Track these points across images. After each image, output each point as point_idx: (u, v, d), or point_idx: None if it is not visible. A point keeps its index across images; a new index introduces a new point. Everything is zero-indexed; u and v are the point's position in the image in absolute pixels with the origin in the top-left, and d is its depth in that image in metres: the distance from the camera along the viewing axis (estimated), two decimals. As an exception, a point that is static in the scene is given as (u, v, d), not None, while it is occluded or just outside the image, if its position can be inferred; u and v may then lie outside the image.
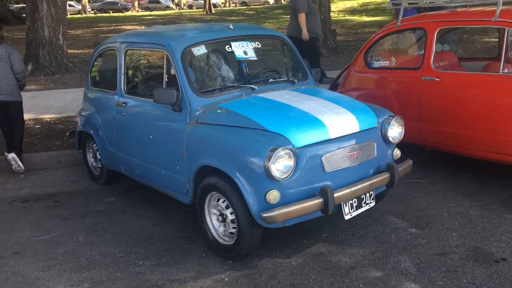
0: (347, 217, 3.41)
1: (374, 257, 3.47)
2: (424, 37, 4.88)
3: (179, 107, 3.76)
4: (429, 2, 5.16)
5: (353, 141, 3.46)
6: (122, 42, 4.49)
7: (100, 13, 51.05)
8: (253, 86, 3.94)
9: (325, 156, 3.32)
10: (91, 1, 55.74)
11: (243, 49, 4.12)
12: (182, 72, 3.78)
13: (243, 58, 4.14)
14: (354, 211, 3.44)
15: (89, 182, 5.37)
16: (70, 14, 51.29)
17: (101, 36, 23.29)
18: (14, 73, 5.61)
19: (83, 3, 53.78)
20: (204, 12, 38.55)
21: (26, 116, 7.82)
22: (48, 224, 4.35)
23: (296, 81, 4.24)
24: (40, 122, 7.64)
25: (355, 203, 3.44)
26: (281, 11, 34.59)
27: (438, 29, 4.75)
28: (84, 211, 4.59)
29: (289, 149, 3.17)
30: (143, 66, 4.76)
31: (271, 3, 50.21)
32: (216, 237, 3.62)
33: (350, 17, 27.54)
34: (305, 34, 8.07)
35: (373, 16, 27.47)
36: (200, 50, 3.97)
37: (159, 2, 56.74)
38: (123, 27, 28.27)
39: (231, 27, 4.22)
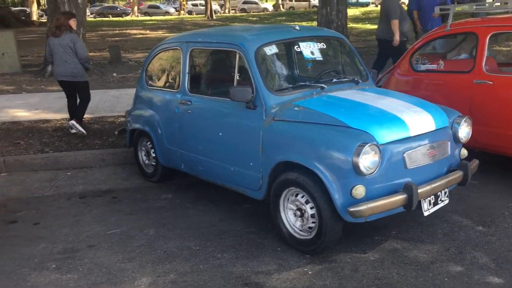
0: (426, 213, 3.51)
1: (450, 253, 3.56)
2: (475, 42, 5.00)
3: (253, 104, 3.85)
4: (477, 8, 5.30)
5: (431, 139, 3.57)
6: (187, 42, 4.58)
7: (100, 17, 51.06)
8: (323, 85, 4.04)
9: (407, 153, 3.42)
10: (90, 6, 55.69)
11: (310, 49, 4.23)
12: (256, 71, 3.87)
13: (311, 58, 4.25)
14: (431, 207, 3.54)
15: (141, 179, 5.43)
16: (69, 18, 51.53)
17: (107, 39, 23.38)
18: (78, 58, 6.55)
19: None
20: (206, 18, 38.75)
21: (59, 116, 7.97)
22: (114, 219, 4.40)
23: (360, 81, 4.35)
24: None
25: (432, 199, 3.54)
26: (284, 18, 34.88)
27: (490, 34, 4.88)
28: (145, 207, 4.65)
29: (375, 145, 3.26)
30: (210, 65, 4.83)
31: (270, 10, 50.52)
32: (292, 231, 3.70)
33: (354, 25, 27.76)
34: (396, 40, 8.07)
35: (376, 24, 27.74)
36: (272, 50, 4.06)
37: (158, 8, 56.97)
38: (128, 31, 28.37)
39: (297, 28, 4.33)
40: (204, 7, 54.81)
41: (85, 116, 7.87)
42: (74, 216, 4.49)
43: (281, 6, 50.30)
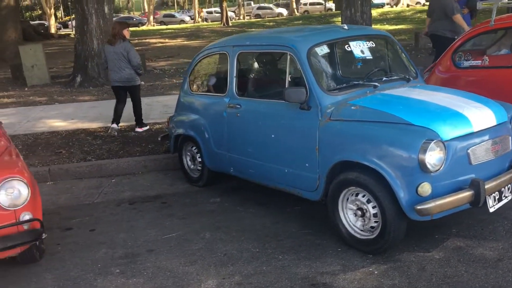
0: (491, 210, 3.46)
1: (516, 249, 3.51)
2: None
3: (308, 105, 3.84)
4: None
5: (493, 134, 3.53)
6: (234, 46, 4.59)
7: (116, 27, 51.44)
8: (375, 83, 4.02)
9: (471, 149, 3.38)
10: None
11: (360, 48, 4.21)
12: (309, 72, 3.87)
13: (361, 57, 4.23)
14: (496, 203, 3.49)
15: (186, 184, 5.45)
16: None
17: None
18: (131, 65, 7.09)
19: (99, 18, 54.58)
20: (222, 25, 38.92)
21: (96, 125, 8.06)
22: (167, 223, 4.43)
23: (410, 78, 4.32)
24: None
25: (497, 195, 3.49)
26: (300, 22, 34.83)
27: (538, 28, 4.82)
28: (196, 211, 4.67)
29: (440, 141, 3.23)
30: (259, 68, 4.84)
31: (285, 15, 50.58)
32: (352, 231, 3.67)
33: (374, 26, 27.64)
34: (466, 29, 7.81)
35: (395, 25, 27.58)
36: (323, 50, 4.07)
37: (174, 16, 57.47)
38: (147, 40, 28.59)
39: (346, 27, 4.33)
40: (218, 14, 55.47)
41: (122, 124, 7.98)
42: (128, 222, 4.52)
43: (295, 10, 50.30)
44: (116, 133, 7.30)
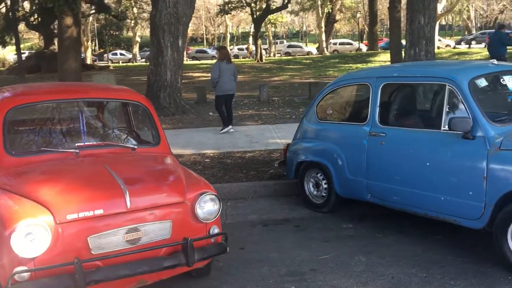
0: None
1: None
2: None
3: (472, 135, 3.99)
4: None
5: None
6: (378, 77, 4.79)
7: (148, 61, 52.64)
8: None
9: None
10: (140, 51, 57.88)
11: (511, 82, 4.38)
12: (473, 102, 4.03)
13: (513, 91, 4.40)
14: None
15: (306, 210, 5.56)
16: (122, 62, 53.75)
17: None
18: (235, 79, 9.92)
19: (134, 52, 56.18)
20: (256, 61, 39.70)
21: (189, 151, 8.28)
22: (313, 245, 4.53)
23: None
24: (205, 156, 7.95)
25: None
26: (337, 60, 35.42)
27: None
28: (335, 235, 4.76)
29: None
30: (407, 99, 4.99)
31: (314, 53, 51.42)
32: (522, 260, 3.74)
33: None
34: None
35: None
36: (482, 83, 4.25)
37: (205, 52, 58.85)
38: (190, 74, 29.27)
39: (495, 62, 4.51)
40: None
41: (213, 151, 8.20)
42: (274, 242, 4.64)
43: (325, 49, 51.13)
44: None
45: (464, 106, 4.07)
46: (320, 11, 47.78)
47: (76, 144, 3.95)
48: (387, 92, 4.86)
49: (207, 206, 3.54)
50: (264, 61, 39.76)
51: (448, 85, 4.19)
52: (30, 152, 3.84)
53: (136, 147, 4.10)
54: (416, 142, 4.41)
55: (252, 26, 45.95)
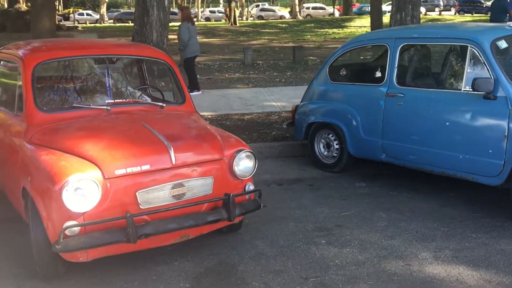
0: None
1: None
2: None
3: (494, 95, 4.12)
4: None
5: None
6: (397, 38, 4.83)
7: (118, 23, 51.20)
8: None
9: None
10: (107, 12, 56.06)
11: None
12: (495, 63, 4.14)
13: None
14: None
15: (316, 170, 5.66)
16: (89, 23, 51.93)
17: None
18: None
19: (101, 12, 54.33)
20: (229, 24, 39.09)
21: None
22: (333, 203, 4.64)
23: None
24: (203, 118, 7.91)
25: None
26: (312, 24, 35.25)
27: None
28: (351, 193, 4.89)
29: None
30: (427, 60, 5.06)
31: (287, 17, 51.01)
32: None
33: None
34: None
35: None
36: (502, 44, 4.35)
37: (175, 14, 57.22)
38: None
39: (511, 25, 4.62)
40: (221, 14, 55.62)
41: (211, 113, 8.19)
42: (293, 200, 4.73)
43: (298, 14, 50.70)
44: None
45: (486, 67, 4.18)
46: (293, -26, 47.15)
47: (106, 101, 3.88)
48: (406, 53, 4.93)
49: (244, 163, 3.58)
50: (238, 24, 39.21)
51: (470, 46, 4.28)
52: (62, 108, 3.76)
53: (164, 105, 4.07)
54: (436, 102, 4.52)
55: (225, -13, 45.02)
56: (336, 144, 5.48)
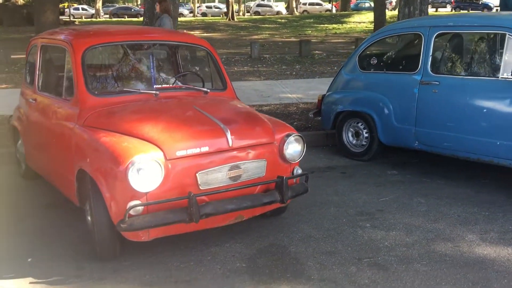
0: None
1: None
2: None
3: (534, 83, 4.18)
4: None
5: None
6: (431, 27, 4.89)
7: (114, 17, 50.90)
8: None
9: None
10: (102, 6, 55.76)
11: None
12: (536, 51, 4.22)
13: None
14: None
15: (345, 158, 5.70)
16: (85, 18, 51.62)
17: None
18: None
19: (97, 7, 54.01)
20: (227, 20, 39.05)
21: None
22: (369, 189, 4.69)
23: None
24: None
25: None
26: (311, 20, 35.31)
27: None
28: (385, 181, 4.94)
29: None
30: (462, 48, 5.11)
31: (284, 13, 51.00)
32: None
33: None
34: None
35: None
36: (539, 33, 4.40)
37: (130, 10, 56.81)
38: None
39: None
40: (218, 10, 55.52)
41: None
42: (329, 187, 4.77)
43: (295, 9, 50.72)
44: None
45: (526, 54, 4.25)
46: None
47: (154, 86, 3.90)
48: (440, 41, 4.97)
49: (293, 147, 3.62)
50: (236, 20, 39.17)
51: (508, 34, 4.34)
52: (112, 92, 3.78)
53: (208, 90, 4.09)
54: (473, 89, 4.57)
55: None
56: (366, 133, 5.53)
